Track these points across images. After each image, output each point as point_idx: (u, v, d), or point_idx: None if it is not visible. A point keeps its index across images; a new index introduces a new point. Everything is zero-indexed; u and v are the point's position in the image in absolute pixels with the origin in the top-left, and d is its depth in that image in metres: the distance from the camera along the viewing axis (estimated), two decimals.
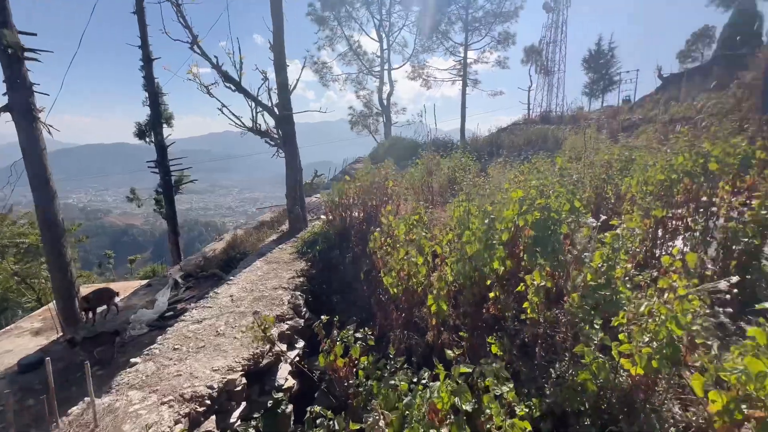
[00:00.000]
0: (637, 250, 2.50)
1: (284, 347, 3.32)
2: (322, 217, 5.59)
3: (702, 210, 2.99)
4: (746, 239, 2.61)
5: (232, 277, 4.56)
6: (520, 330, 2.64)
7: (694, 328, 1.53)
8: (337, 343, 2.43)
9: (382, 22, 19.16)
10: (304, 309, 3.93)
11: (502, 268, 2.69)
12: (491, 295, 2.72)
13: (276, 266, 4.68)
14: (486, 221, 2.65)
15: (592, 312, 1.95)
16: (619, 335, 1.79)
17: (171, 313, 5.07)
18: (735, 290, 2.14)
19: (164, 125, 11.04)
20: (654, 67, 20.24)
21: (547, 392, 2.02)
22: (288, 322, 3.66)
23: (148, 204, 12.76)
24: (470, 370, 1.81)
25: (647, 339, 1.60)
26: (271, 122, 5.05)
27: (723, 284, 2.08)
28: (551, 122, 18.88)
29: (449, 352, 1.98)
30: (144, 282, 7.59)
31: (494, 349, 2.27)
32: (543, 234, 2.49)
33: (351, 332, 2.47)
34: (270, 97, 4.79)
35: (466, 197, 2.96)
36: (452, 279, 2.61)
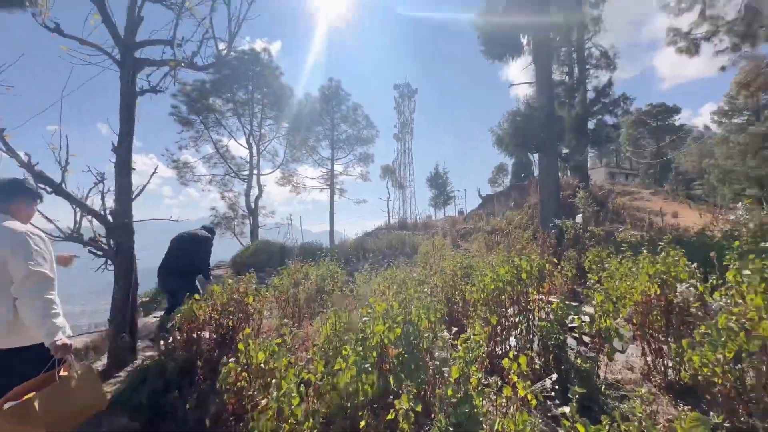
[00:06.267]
0: (483, 355, 2.79)
1: None
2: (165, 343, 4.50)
3: (523, 311, 3.63)
4: (555, 334, 3.24)
5: None
6: None
7: None
8: None
9: (252, 131, 19.99)
10: None
11: (370, 390, 2.57)
12: (362, 424, 2.51)
13: None
14: (358, 341, 2.57)
15: None
16: None
17: None
18: (556, 386, 2.55)
19: None
20: (475, 188, 26.67)
21: None
22: None
23: None
24: None
25: None
26: (100, 227, 4.20)
27: (548, 382, 2.45)
28: (408, 228, 21.69)
29: None
30: None
31: None
32: (407, 350, 2.55)
33: None
34: (104, 202, 4.06)
35: (334, 314, 2.89)
36: (324, 411, 2.32)
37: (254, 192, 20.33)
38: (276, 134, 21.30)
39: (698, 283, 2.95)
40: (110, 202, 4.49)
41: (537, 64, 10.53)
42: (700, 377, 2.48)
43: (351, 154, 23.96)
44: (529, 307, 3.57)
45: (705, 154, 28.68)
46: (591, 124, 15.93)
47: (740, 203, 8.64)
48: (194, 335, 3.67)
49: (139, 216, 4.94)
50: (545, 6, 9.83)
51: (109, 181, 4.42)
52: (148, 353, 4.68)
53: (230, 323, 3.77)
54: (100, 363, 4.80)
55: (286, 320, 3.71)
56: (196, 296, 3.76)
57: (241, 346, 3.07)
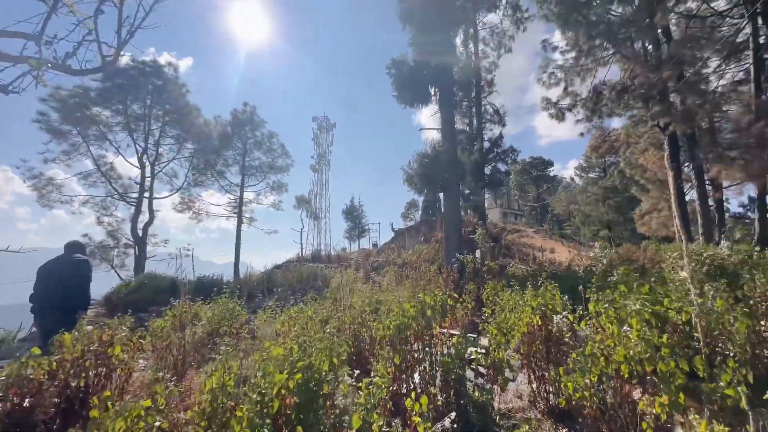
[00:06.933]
0: (386, 397, 2.69)
1: None
2: None
3: (427, 346, 3.68)
4: (455, 369, 3.33)
5: None
6: None
7: None
8: None
9: (147, 150, 17.71)
10: None
11: None
12: None
13: None
14: (255, 396, 2.25)
15: None
16: None
17: None
18: (455, 425, 2.58)
19: None
20: (389, 222, 27.70)
21: None
22: None
23: None
24: None
25: None
26: None
27: (447, 421, 2.46)
28: (321, 260, 21.13)
29: None
30: None
31: None
32: (306, 399, 2.32)
33: None
34: None
35: (222, 365, 2.50)
36: None
37: (143, 217, 17.71)
38: (177, 155, 19.25)
39: (568, 314, 3.38)
40: None
41: (443, 113, 11.73)
42: (573, 401, 2.77)
43: (263, 181, 22.83)
44: (432, 342, 3.64)
45: (571, 200, 34.90)
46: (487, 170, 18.18)
47: (597, 242, 10.61)
48: (25, 404, 2.79)
49: None
50: (449, 65, 11.18)
51: None
52: None
53: (81, 383, 2.98)
54: None
55: (161, 373, 3.09)
56: (36, 350, 2.91)
57: (94, 412, 2.43)
